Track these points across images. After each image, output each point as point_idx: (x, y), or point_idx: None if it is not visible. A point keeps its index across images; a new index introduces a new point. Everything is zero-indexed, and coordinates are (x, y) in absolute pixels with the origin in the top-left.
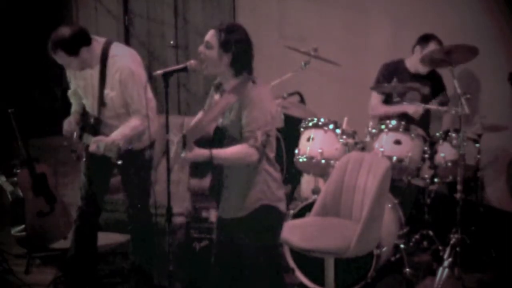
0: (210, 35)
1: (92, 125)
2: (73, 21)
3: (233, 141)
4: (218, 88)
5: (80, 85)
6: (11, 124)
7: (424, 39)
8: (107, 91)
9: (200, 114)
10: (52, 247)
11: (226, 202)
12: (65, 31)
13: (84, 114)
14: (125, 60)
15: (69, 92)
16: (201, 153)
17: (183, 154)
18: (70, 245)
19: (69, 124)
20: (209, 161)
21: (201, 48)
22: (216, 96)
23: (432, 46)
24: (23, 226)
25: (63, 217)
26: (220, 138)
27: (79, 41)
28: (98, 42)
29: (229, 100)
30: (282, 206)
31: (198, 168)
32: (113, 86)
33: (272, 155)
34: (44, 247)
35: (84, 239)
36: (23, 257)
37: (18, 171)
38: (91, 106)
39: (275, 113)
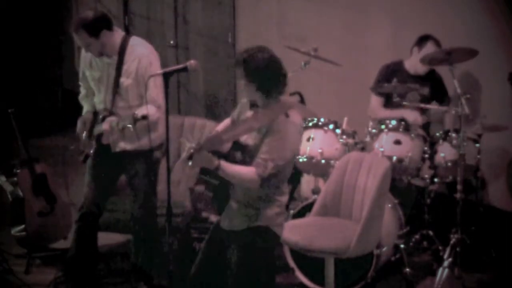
0: (237, 66)
1: (103, 117)
2: None
3: (248, 161)
4: (253, 105)
5: (96, 76)
6: (11, 124)
7: (421, 40)
8: (123, 79)
9: (226, 122)
10: (52, 247)
11: (227, 214)
12: (89, 12)
13: (94, 113)
14: (143, 50)
15: (80, 96)
16: (211, 161)
17: (190, 163)
18: (70, 245)
19: (83, 122)
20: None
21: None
22: (249, 113)
23: (429, 46)
24: (23, 226)
25: (63, 217)
26: (235, 152)
27: (101, 23)
28: (119, 33)
29: (256, 126)
30: (279, 230)
31: (209, 175)
32: (129, 74)
33: (281, 184)
34: (44, 247)
35: (85, 239)
36: (23, 257)
37: (18, 171)
38: (104, 99)
39: (296, 151)
